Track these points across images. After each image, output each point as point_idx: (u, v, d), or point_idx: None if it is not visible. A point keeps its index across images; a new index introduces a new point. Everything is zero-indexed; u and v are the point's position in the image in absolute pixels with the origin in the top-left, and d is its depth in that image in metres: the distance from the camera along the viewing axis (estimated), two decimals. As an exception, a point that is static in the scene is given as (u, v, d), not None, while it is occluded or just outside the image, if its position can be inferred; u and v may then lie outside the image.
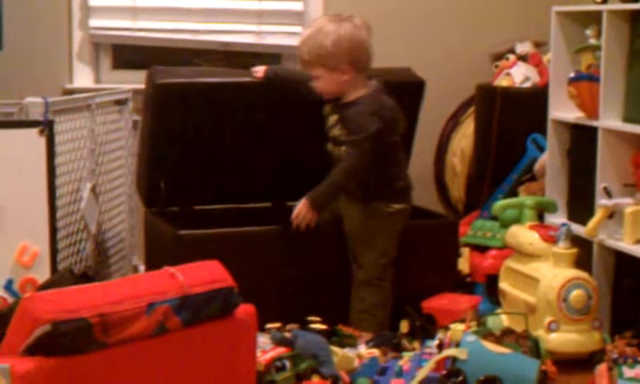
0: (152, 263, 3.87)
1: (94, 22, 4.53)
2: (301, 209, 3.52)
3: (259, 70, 3.78)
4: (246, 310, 2.69)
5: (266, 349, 3.16)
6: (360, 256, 3.65)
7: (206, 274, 2.63)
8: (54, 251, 3.36)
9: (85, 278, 3.34)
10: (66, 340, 2.29)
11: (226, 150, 3.85)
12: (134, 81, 4.58)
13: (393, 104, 3.62)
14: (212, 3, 4.70)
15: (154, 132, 3.71)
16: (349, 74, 3.54)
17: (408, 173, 3.78)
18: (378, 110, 3.55)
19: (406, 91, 3.92)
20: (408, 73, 4.06)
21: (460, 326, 3.33)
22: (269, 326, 3.37)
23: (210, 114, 3.74)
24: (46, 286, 3.13)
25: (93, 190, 3.79)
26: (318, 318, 3.46)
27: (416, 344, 3.45)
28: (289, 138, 3.87)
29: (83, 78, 4.57)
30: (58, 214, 3.43)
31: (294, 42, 4.75)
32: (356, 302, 3.65)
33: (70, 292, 2.48)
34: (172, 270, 2.59)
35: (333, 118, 3.62)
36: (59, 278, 3.23)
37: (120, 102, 4.25)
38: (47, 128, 3.31)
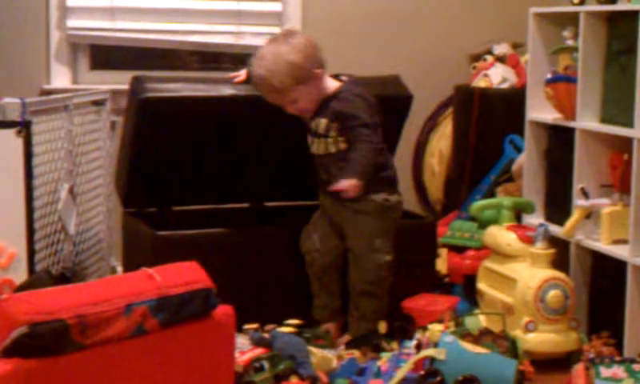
0: (130, 264, 3.86)
1: (71, 23, 4.51)
2: (342, 184, 3.42)
3: (241, 74, 3.74)
4: (224, 311, 2.69)
5: (244, 349, 3.16)
6: (358, 257, 3.60)
7: (184, 275, 2.63)
8: (31, 252, 3.35)
9: (62, 279, 3.33)
10: (43, 341, 2.29)
11: (206, 154, 3.83)
12: (112, 81, 4.57)
13: (368, 92, 3.61)
14: (190, 4, 4.68)
15: (135, 139, 3.68)
16: (321, 76, 3.54)
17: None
18: (364, 94, 3.56)
19: (394, 105, 3.90)
20: (396, 83, 4.03)
21: (438, 327, 3.34)
22: (246, 326, 3.36)
23: (192, 125, 3.71)
24: (23, 288, 3.12)
25: (70, 190, 3.77)
26: (297, 321, 3.46)
27: (394, 344, 3.45)
28: (268, 143, 3.86)
29: (61, 78, 4.55)
30: (36, 215, 3.41)
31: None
32: (353, 309, 3.64)
33: (47, 293, 2.47)
34: (150, 271, 2.59)
35: (315, 117, 3.57)
36: (36, 280, 3.22)
37: (98, 103, 4.23)
38: (24, 129, 3.30)
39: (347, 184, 3.43)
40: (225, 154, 3.81)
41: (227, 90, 3.69)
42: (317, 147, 3.60)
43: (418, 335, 3.30)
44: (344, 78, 3.62)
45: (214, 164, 3.86)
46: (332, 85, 3.58)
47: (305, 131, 3.62)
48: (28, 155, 3.32)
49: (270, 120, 3.69)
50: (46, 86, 4.49)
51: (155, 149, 3.71)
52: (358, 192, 3.45)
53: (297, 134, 3.64)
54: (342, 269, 3.65)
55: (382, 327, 3.57)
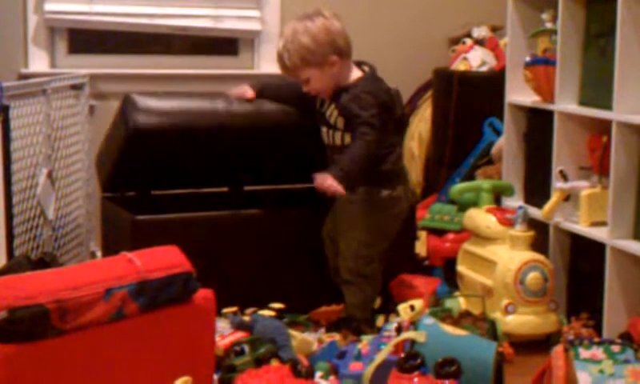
0: (109, 249, 3.85)
1: (49, 6, 4.49)
2: (325, 178, 3.39)
3: (247, 91, 3.72)
4: (204, 295, 2.69)
5: (224, 333, 3.16)
6: (341, 245, 3.61)
7: (163, 260, 2.62)
8: (10, 237, 3.34)
9: (42, 264, 3.31)
10: (22, 326, 2.28)
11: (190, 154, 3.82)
12: (91, 65, 4.55)
13: (387, 87, 3.61)
14: (169, -13, 4.68)
15: (121, 152, 3.67)
16: (337, 63, 3.52)
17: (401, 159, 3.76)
18: (375, 91, 3.54)
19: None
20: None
21: (405, 306, 3.35)
22: (225, 310, 3.36)
23: (184, 143, 3.71)
24: (2, 273, 3.09)
25: (49, 175, 3.76)
26: (279, 305, 3.46)
27: (381, 319, 3.50)
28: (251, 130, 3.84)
29: (39, 62, 4.53)
30: (14, 199, 3.39)
31: (250, 26, 4.75)
32: (344, 297, 3.64)
33: (26, 278, 2.47)
34: (129, 255, 2.58)
35: (329, 105, 3.57)
36: (15, 265, 3.20)
37: (76, 87, 4.21)
38: (2, 113, 3.28)
39: (323, 181, 3.39)
40: (206, 140, 3.80)
41: (226, 117, 3.69)
42: (325, 136, 3.61)
43: (398, 318, 3.31)
44: (365, 68, 3.62)
45: (195, 149, 3.85)
46: (354, 75, 3.58)
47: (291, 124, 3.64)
48: (6, 140, 3.30)
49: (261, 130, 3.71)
50: (24, 70, 4.47)
51: (144, 154, 3.70)
52: (334, 189, 3.39)
53: (281, 128, 3.63)
54: None
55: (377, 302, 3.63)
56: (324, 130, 3.61)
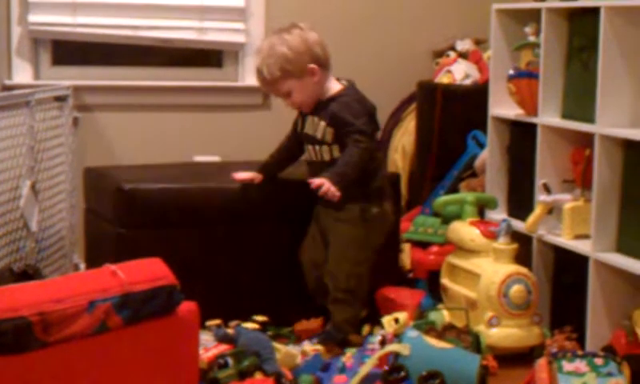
0: (93, 261, 3.84)
1: (33, 18, 4.48)
2: (322, 183, 3.41)
3: (256, 177, 3.72)
4: (188, 308, 2.68)
5: (208, 346, 3.16)
6: (332, 266, 3.59)
7: (147, 272, 2.62)
8: (-8, 249, 3.33)
9: (25, 276, 3.30)
10: (5, 339, 2.27)
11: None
12: (74, 77, 4.54)
13: (369, 100, 3.62)
14: (153, -1, 4.67)
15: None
16: (317, 73, 3.53)
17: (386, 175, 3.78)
18: (363, 100, 3.57)
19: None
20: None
21: (389, 319, 3.36)
22: (209, 323, 3.36)
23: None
24: (-16, 285, 3.09)
25: (32, 187, 3.75)
26: (263, 317, 3.46)
27: (366, 328, 3.51)
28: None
29: (22, 74, 4.52)
30: (-3, 211, 3.39)
31: (235, 38, 4.75)
32: (331, 315, 3.62)
33: (9, 290, 2.46)
34: (113, 267, 2.58)
35: (313, 120, 3.57)
36: (-2, 277, 3.20)
37: (60, 99, 4.20)
38: (-14, 125, 3.27)
39: (322, 182, 3.41)
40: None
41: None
42: (309, 154, 3.61)
43: (382, 331, 3.31)
44: (344, 82, 3.62)
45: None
46: (334, 87, 3.59)
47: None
48: (-11, 151, 3.29)
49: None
50: (8, 82, 4.46)
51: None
52: (334, 195, 3.42)
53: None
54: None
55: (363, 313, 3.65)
56: (309, 148, 3.61)
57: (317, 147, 3.57)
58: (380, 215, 3.61)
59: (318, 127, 3.55)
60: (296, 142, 3.70)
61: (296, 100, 3.56)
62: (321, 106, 3.56)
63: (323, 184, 3.41)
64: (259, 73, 3.57)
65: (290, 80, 3.52)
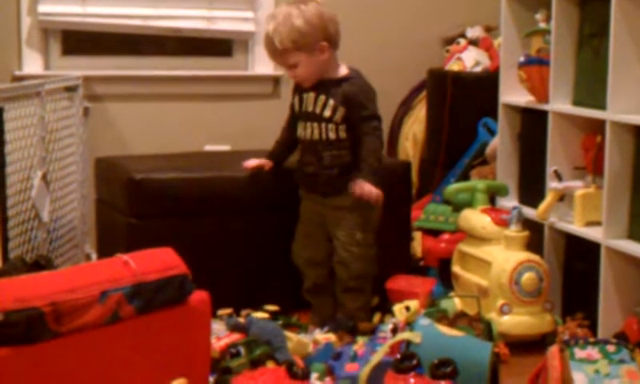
0: (104, 251, 3.85)
1: (43, 8, 4.48)
2: (363, 188, 3.43)
3: (267, 163, 3.72)
4: (199, 297, 2.69)
5: (220, 335, 3.16)
6: (343, 254, 3.57)
7: (159, 262, 2.62)
8: (5, 240, 3.33)
9: (37, 266, 3.30)
10: (18, 329, 2.28)
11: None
12: (85, 67, 4.55)
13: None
14: (162, -11, 4.67)
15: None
16: (326, 51, 3.50)
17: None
18: (371, 86, 3.57)
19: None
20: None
21: (401, 307, 3.35)
22: (221, 312, 3.36)
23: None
24: (-3, 276, 3.10)
25: (44, 178, 3.75)
26: (274, 307, 3.46)
27: (378, 316, 3.53)
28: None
29: (33, 64, 4.52)
30: (9, 202, 3.39)
31: (244, 27, 4.75)
32: (340, 307, 3.62)
33: (21, 281, 2.47)
34: (125, 257, 2.58)
35: (318, 98, 3.53)
36: (10, 267, 3.20)
37: (70, 89, 4.20)
38: (-4, 116, 3.27)
39: (362, 191, 3.44)
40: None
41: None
42: (311, 132, 3.56)
43: (394, 319, 3.31)
44: (346, 66, 3.61)
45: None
46: (342, 70, 3.57)
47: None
48: (0, 142, 3.29)
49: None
50: (18, 72, 4.46)
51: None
52: (376, 195, 3.45)
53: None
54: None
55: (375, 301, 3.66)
56: (310, 126, 3.57)
57: (323, 125, 3.54)
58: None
59: (327, 105, 3.52)
60: (295, 124, 3.67)
61: (300, 74, 3.53)
62: (330, 85, 3.53)
63: (363, 190, 3.44)
64: (269, 40, 3.50)
65: (299, 53, 3.48)
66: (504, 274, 3.54)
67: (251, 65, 4.82)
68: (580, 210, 3.62)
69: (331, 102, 3.52)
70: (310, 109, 3.56)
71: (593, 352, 2.94)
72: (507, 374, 3.23)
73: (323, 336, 3.40)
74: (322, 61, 3.51)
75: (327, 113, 3.52)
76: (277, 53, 3.52)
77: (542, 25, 3.89)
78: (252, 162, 3.72)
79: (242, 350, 3.05)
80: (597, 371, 2.88)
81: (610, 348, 2.95)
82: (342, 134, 3.52)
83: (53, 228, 3.89)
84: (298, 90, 3.63)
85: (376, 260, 3.61)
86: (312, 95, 3.56)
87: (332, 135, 3.53)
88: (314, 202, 3.61)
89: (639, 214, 3.40)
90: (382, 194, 3.47)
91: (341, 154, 3.53)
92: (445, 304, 3.55)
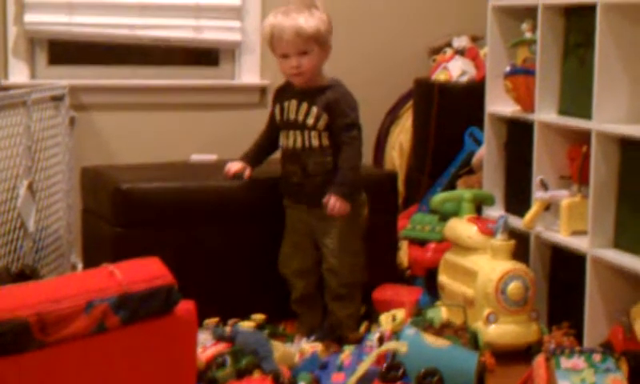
0: (90, 261, 3.84)
1: (29, 17, 4.47)
2: (334, 203, 3.47)
3: (246, 168, 3.74)
4: (186, 308, 2.68)
5: (206, 345, 3.15)
6: (333, 262, 3.59)
7: (145, 272, 2.61)
8: (-10, 250, 3.32)
9: (22, 276, 3.30)
10: (3, 339, 2.27)
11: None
12: (71, 76, 4.54)
13: None
14: (149, -2, 4.67)
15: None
16: (328, 53, 3.59)
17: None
18: (351, 94, 3.61)
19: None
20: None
21: (387, 316, 3.36)
22: (207, 321, 3.36)
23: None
24: (-18, 286, 3.09)
25: (29, 187, 3.74)
26: (261, 316, 3.46)
27: (364, 326, 3.53)
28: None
29: (19, 73, 4.51)
30: (-5, 212, 3.39)
31: (231, 36, 4.75)
32: (329, 316, 3.63)
33: (6, 291, 2.46)
34: (111, 267, 2.57)
35: (301, 106, 3.56)
36: (-4, 277, 3.20)
37: (57, 98, 4.20)
38: (-18, 125, 3.26)
39: (331, 205, 3.47)
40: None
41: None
42: (294, 140, 3.58)
43: (380, 328, 3.31)
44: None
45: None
46: (324, 76, 3.61)
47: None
48: (-14, 152, 3.29)
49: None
50: (4, 82, 4.45)
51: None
52: (344, 209, 3.48)
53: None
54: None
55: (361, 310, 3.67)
56: (293, 135, 3.58)
57: (306, 133, 3.55)
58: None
59: (310, 113, 3.54)
60: (274, 131, 3.70)
61: (305, 64, 3.53)
62: (312, 93, 3.56)
63: (334, 207, 3.47)
64: (294, 24, 3.50)
65: (314, 44, 3.53)
66: (490, 284, 3.55)
67: (238, 74, 4.83)
68: (566, 219, 3.62)
69: (314, 109, 3.53)
70: (293, 117, 3.57)
71: (579, 361, 2.95)
72: (493, 383, 3.23)
73: (309, 346, 3.39)
74: (322, 60, 3.57)
75: (310, 120, 3.54)
76: (300, 36, 3.50)
77: (528, 35, 3.90)
78: (233, 167, 3.73)
79: (228, 359, 3.05)
80: (583, 380, 2.89)
81: (596, 357, 2.96)
82: (325, 142, 3.54)
83: (38, 238, 3.88)
84: (279, 98, 3.65)
85: (365, 267, 3.62)
86: (294, 103, 3.58)
87: (315, 142, 3.54)
88: (300, 212, 3.62)
89: (625, 223, 3.41)
90: (347, 208, 3.49)
91: (324, 160, 3.54)
92: (431, 313, 3.56)
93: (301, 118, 3.56)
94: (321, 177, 3.54)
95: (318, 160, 3.54)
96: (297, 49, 3.52)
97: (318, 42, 3.53)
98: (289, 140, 3.59)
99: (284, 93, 3.65)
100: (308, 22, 3.51)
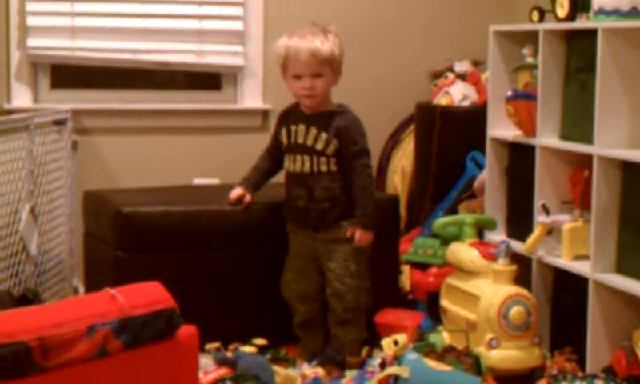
0: (92, 285, 3.84)
1: (32, 42, 4.49)
2: (360, 236, 3.52)
3: (246, 193, 3.74)
4: (187, 332, 2.68)
5: (208, 370, 3.15)
6: (337, 286, 3.58)
7: (146, 296, 2.61)
8: (-8, 274, 3.32)
9: (24, 300, 3.30)
10: (4, 364, 2.27)
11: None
12: (73, 100, 4.55)
13: None
14: (151, 23, 4.67)
15: None
16: (337, 81, 3.63)
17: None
18: (358, 118, 3.64)
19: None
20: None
21: (389, 341, 3.35)
22: (209, 346, 3.35)
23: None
24: (-17, 309, 3.09)
25: (32, 211, 3.75)
26: (262, 341, 3.45)
27: (366, 350, 3.53)
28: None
29: (22, 98, 4.52)
30: (-4, 235, 3.39)
31: (233, 61, 4.76)
32: (332, 340, 3.62)
33: (8, 315, 2.45)
34: (112, 291, 2.57)
35: (309, 130, 3.57)
36: (-3, 301, 3.20)
37: (59, 122, 4.21)
38: (-15, 149, 3.27)
39: (357, 238, 3.53)
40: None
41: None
42: (301, 164, 3.59)
43: (382, 353, 3.31)
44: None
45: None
46: (332, 102, 3.63)
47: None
48: (-12, 176, 3.29)
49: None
50: (7, 106, 4.46)
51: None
52: (369, 240, 3.56)
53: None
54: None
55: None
56: (300, 159, 3.59)
57: (314, 158, 3.57)
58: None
59: (319, 138, 3.56)
60: (276, 155, 3.71)
61: (319, 88, 3.56)
62: (321, 117, 3.58)
63: (362, 239, 3.54)
64: (311, 46, 3.54)
65: (328, 68, 3.57)
66: (492, 308, 3.54)
67: (240, 98, 4.84)
68: (568, 243, 3.62)
69: (324, 135, 3.54)
70: (301, 141, 3.58)
71: (581, 386, 2.95)
72: (496, 408, 3.23)
73: (311, 370, 3.39)
74: (332, 85, 3.61)
75: (319, 145, 3.55)
76: (316, 58, 3.54)
77: (530, 59, 3.91)
78: (234, 193, 3.74)
79: (230, 384, 3.04)
80: (585, 405, 2.89)
81: (598, 382, 2.96)
82: (333, 167, 3.54)
83: (40, 261, 3.88)
84: (285, 122, 3.66)
85: (370, 291, 3.62)
86: (302, 127, 3.58)
87: (324, 168, 3.55)
88: (304, 236, 3.62)
89: (627, 247, 3.41)
90: (370, 239, 3.56)
91: (332, 186, 3.54)
92: (433, 338, 3.55)
93: (310, 142, 3.57)
94: (327, 202, 3.54)
95: (325, 185, 3.54)
96: (311, 70, 3.55)
97: (332, 66, 3.57)
98: (295, 164, 3.60)
99: (290, 116, 3.66)
100: (324, 44, 3.55)
